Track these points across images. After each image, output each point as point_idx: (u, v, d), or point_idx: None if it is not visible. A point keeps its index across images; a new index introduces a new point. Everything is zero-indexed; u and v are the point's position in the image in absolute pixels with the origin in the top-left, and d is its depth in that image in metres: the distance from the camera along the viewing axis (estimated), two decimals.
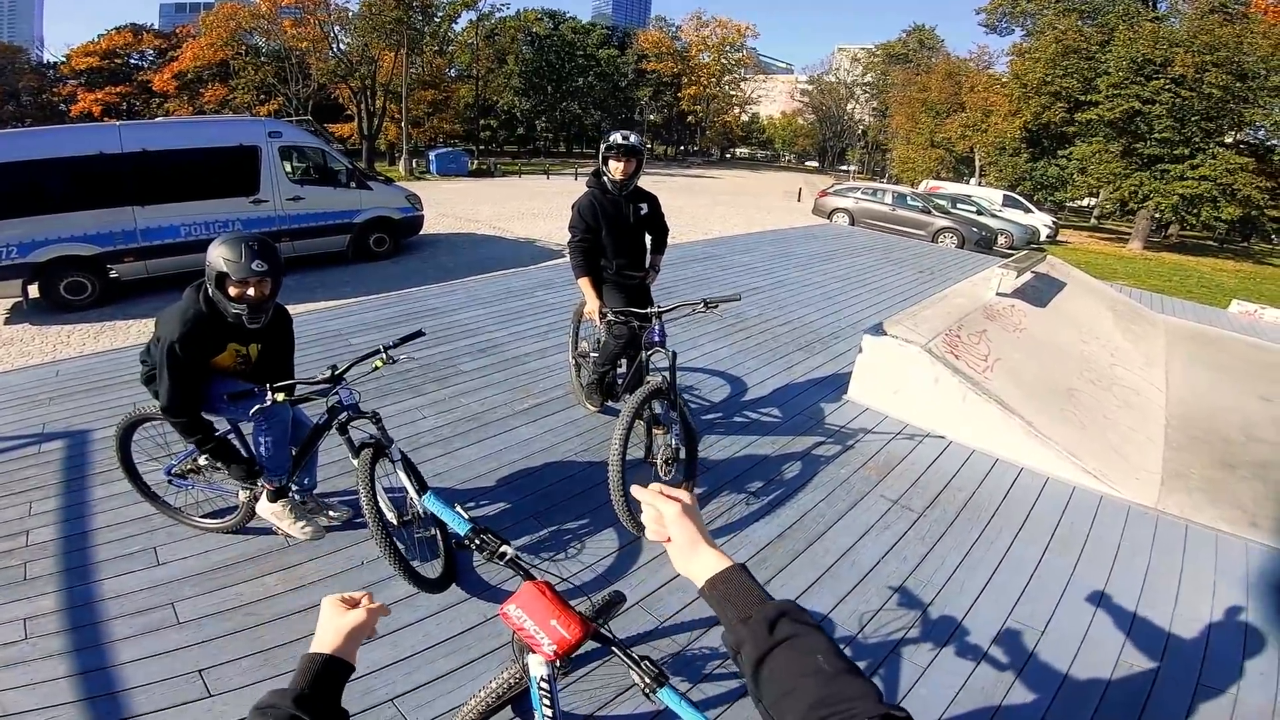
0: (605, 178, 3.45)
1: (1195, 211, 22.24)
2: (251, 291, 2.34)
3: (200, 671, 2.21)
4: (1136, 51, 21.89)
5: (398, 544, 2.43)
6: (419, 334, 2.71)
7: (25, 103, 39.70)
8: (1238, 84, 20.75)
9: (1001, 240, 17.44)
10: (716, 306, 3.15)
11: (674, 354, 3.17)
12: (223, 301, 2.34)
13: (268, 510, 2.72)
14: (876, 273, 8.76)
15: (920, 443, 4.12)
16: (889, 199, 17.38)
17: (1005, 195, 21.99)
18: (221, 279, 2.29)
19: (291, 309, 7.50)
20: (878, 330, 4.56)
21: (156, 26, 46.01)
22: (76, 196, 8.04)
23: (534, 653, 1.23)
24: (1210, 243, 28.50)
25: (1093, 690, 2.40)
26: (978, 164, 30.40)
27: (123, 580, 2.61)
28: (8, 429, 3.82)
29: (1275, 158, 21.84)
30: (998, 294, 5.87)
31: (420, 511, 2.58)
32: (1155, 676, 2.48)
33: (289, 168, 10.00)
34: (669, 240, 4.03)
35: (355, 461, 2.48)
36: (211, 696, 2.13)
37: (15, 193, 7.66)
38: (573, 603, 1.26)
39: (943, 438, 4.19)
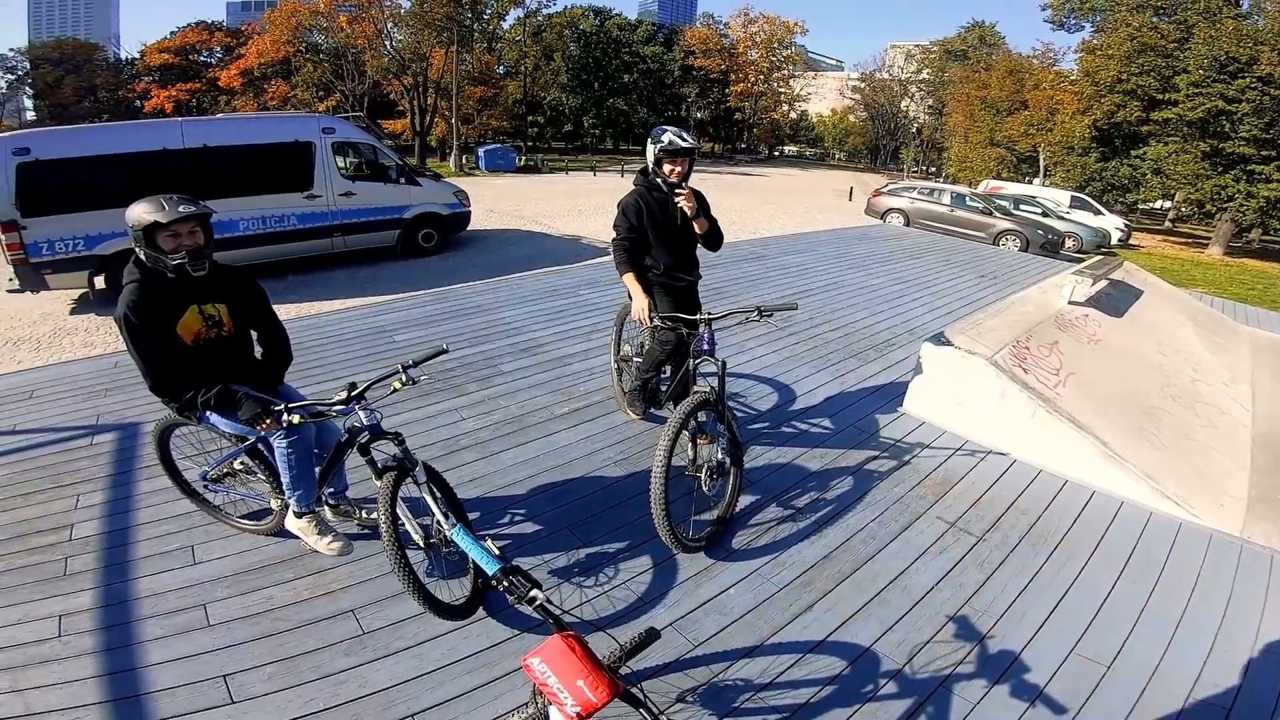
0: (659, 178, 3.28)
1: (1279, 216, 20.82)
2: (185, 239, 2.29)
3: (225, 677, 2.19)
4: (1219, 50, 20.61)
5: (416, 573, 2.33)
6: (441, 352, 2.58)
7: (102, 99, 41.94)
8: None
9: (1069, 244, 16.57)
10: (771, 315, 2.97)
11: (723, 363, 3.00)
12: (159, 258, 2.28)
13: (295, 525, 2.69)
14: (935, 276, 8.35)
15: (982, 460, 3.85)
16: (947, 199, 16.65)
17: (1073, 196, 20.87)
18: (151, 232, 2.25)
19: (342, 303, 7.57)
20: (939, 339, 4.29)
21: (225, 23, 47.91)
22: (142, 191, 8.34)
23: (554, 705, 1.12)
24: None
25: None
26: (1042, 164, 29.10)
27: (159, 579, 2.62)
28: (65, 419, 3.93)
29: None
30: (1070, 302, 5.48)
31: (446, 535, 2.49)
32: (1227, 716, 2.23)
33: (342, 163, 10.18)
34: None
35: (377, 484, 2.40)
36: (233, 703, 2.09)
37: (84, 187, 8.00)
38: (603, 642, 1.17)
39: (1006, 455, 3.91)
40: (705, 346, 3.00)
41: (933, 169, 48.51)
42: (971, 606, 2.68)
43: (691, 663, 2.34)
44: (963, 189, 18.81)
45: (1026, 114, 29.59)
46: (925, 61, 48.90)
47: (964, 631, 2.54)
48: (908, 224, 16.20)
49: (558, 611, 1.17)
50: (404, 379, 2.40)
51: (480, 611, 2.50)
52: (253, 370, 2.59)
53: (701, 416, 3.00)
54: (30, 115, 46.81)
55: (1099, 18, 27.29)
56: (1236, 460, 4.13)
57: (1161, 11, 24.21)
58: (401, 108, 37.13)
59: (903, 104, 51.81)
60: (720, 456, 2.96)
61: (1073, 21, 29.27)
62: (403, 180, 10.82)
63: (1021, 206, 17.85)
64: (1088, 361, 4.63)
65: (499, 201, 19.04)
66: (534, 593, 1.16)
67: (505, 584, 1.16)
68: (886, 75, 53.06)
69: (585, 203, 19.78)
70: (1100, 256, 10.30)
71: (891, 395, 4.56)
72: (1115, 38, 24.07)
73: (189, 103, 40.16)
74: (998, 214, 15.94)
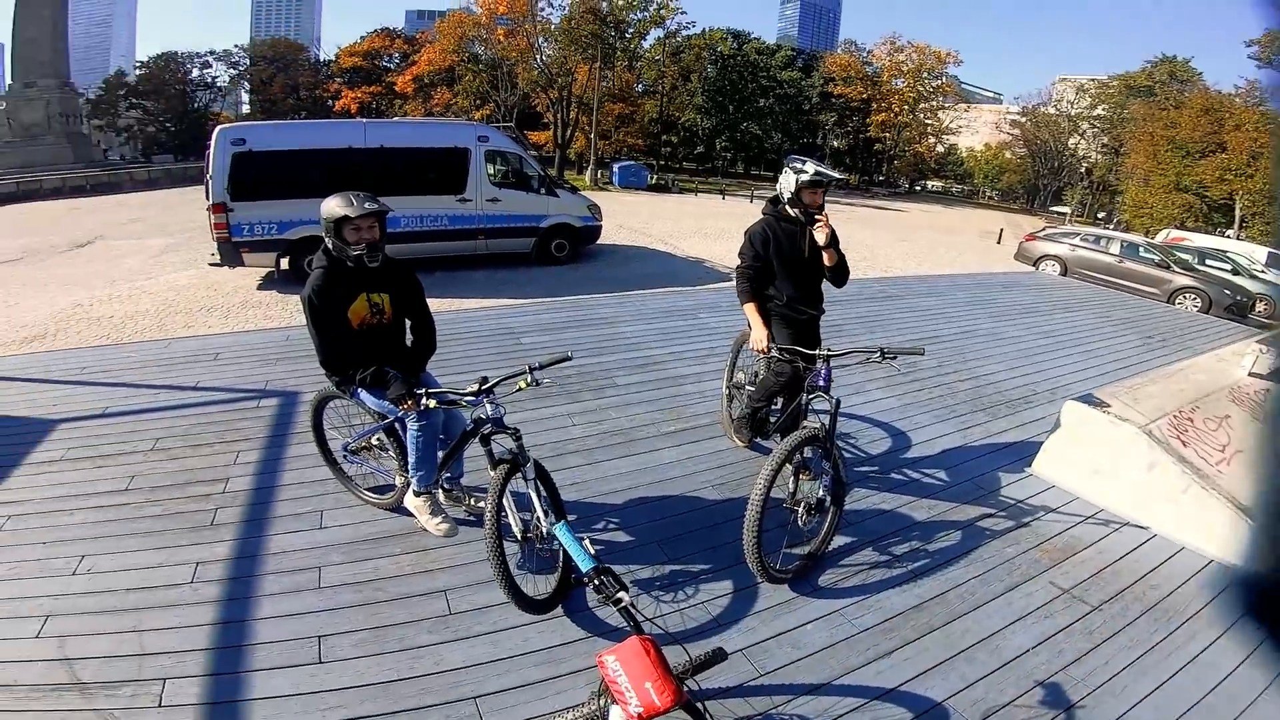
0: (790, 207, 3.30)
1: None
2: (366, 233, 2.61)
3: (320, 638, 2.41)
4: None
5: (508, 564, 2.48)
6: (566, 358, 2.78)
7: (303, 96, 47.83)
8: None
9: (1261, 307, 14.32)
10: (895, 358, 2.90)
11: (837, 401, 2.95)
12: (343, 248, 2.61)
13: (411, 503, 2.96)
14: (1092, 333, 7.57)
15: (1115, 531, 3.47)
16: (1115, 248, 14.92)
17: (1270, 253, 18.06)
18: (339, 225, 2.57)
19: (478, 303, 8.16)
20: (1087, 400, 3.93)
21: (404, 30, 52.62)
22: (327, 184, 9.47)
23: (617, 704, 1.19)
24: None
25: None
26: (1238, 214, 25.53)
27: (288, 539, 2.95)
28: (240, 382, 4.59)
29: None
30: (1251, 374, 4.80)
31: (544, 532, 2.63)
32: None
33: (491, 170, 10.95)
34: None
35: (491, 474, 2.59)
36: (320, 663, 2.30)
37: (283, 177, 9.17)
38: (675, 655, 1.22)
39: (1146, 529, 3.49)
40: (821, 383, 2.97)
41: (1101, 214, 43.95)
42: (1067, 674, 2.46)
43: (755, 690, 2.33)
44: (1137, 238, 16.87)
45: (1224, 157, 26.36)
46: (1101, 96, 44.61)
47: (1051, 698, 2.34)
48: (1064, 273, 14.77)
49: (640, 616, 1.24)
50: (529, 379, 2.60)
51: (559, 609, 2.61)
52: (402, 356, 2.91)
53: (808, 452, 2.97)
54: (245, 109, 53.44)
55: None
56: None
57: None
58: (546, 120, 39.54)
59: (1070, 141, 47.46)
60: (821, 494, 2.90)
61: None
62: (543, 191, 11.45)
63: (1207, 262, 15.69)
64: None
65: (629, 218, 19.67)
66: (621, 594, 1.24)
67: (597, 582, 1.25)
68: (1053, 110, 48.89)
69: (712, 226, 19.93)
70: None
71: (1020, 455, 4.22)
72: None
73: (370, 104, 44.87)
74: (1177, 268, 14.10)
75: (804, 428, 2.94)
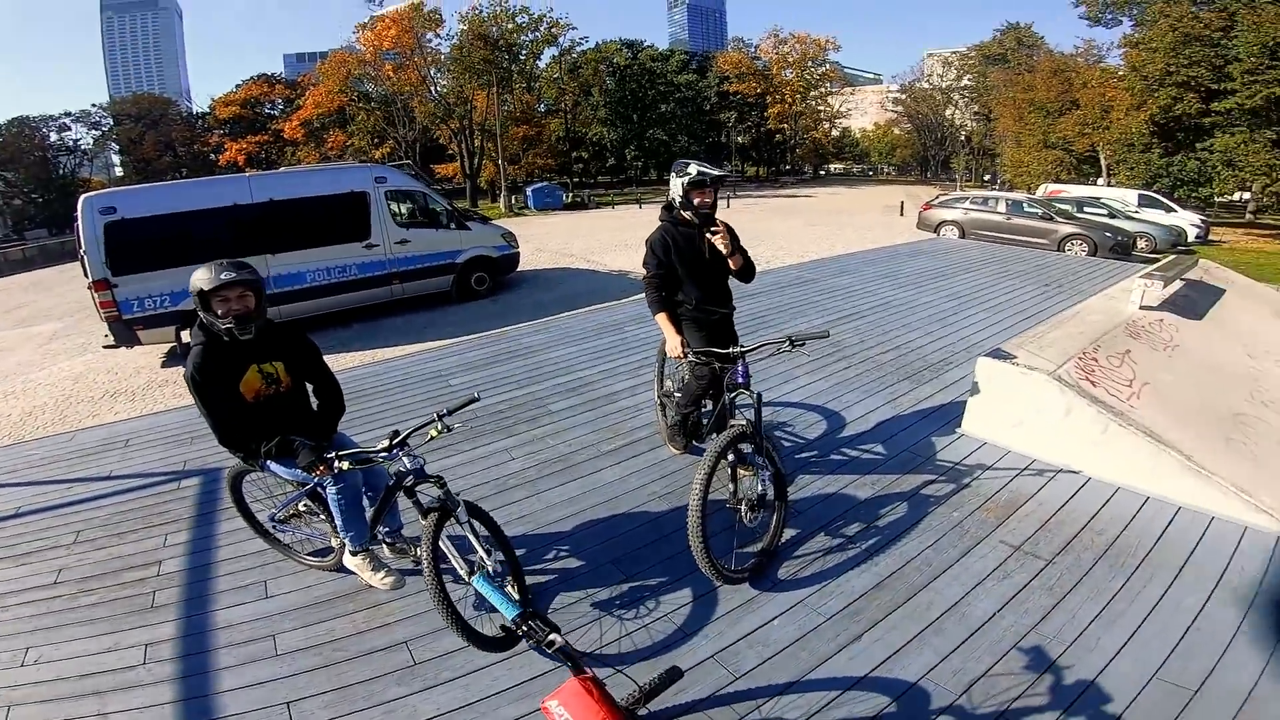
0: (676, 211, 3.33)
1: None
2: (235, 304, 2.47)
3: (288, 704, 2.33)
4: (1266, 36, 19.75)
5: (456, 608, 2.39)
6: (474, 400, 2.74)
7: (180, 153, 45.22)
8: None
9: (1141, 244, 15.63)
10: (803, 344, 2.94)
11: (759, 395, 2.98)
12: (214, 322, 2.47)
13: (350, 563, 2.86)
14: (993, 289, 8.02)
15: (1051, 480, 3.63)
16: (1003, 207, 15.99)
17: (1141, 195, 19.74)
18: (205, 298, 2.44)
19: (403, 349, 7.88)
20: (996, 355, 4.11)
21: (283, 76, 50.80)
22: (219, 246, 8.90)
23: None
24: None
25: None
26: (1104, 163, 27.77)
27: (235, 611, 2.83)
28: (156, 466, 4.31)
29: None
30: (1141, 307, 5.18)
31: (491, 572, 2.56)
32: None
33: (396, 211, 10.56)
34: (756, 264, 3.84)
35: (422, 523, 2.51)
36: None
37: (161, 244, 8.48)
38: (628, 683, 1.17)
39: (1079, 474, 3.67)
40: (740, 379, 2.98)
41: (986, 176, 46.95)
42: (1038, 633, 2.52)
43: (732, 696, 2.29)
44: (1020, 195, 18.09)
45: (1079, 113, 28.60)
46: (965, 68, 47.86)
47: (1029, 660, 2.39)
48: (963, 236, 15.67)
49: (577, 654, 1.19)
50: (439, 427, 2.53)
51: (522, 644, 2.51)
52: (309, 421, 2.77)
53: (743, 449, 2.97)
54: (118, 171, 50.25)
55: (1136, 10, 26.33)
56: None
57: (1201, 1, 23.24)
58: (451, 151, 38.90)
59: (947, 112, 50.61)
60: (761, 489, 2.91)
61: (1109, 17, 28.33)
62: (453, 225, 11.17)
63: (1086, 209, 16.99)
64: (1164, 370, 4.34)
65: (548, 240, 19.55)
66: (552, 636, 1.18)
67: (524, 629, 1.18)
68: (927, 85, 52.08)
69: (632, 236, 20.01)
70: (1175, 256, 9.69)
71: (949, 417, 4.38)
72: (1156, 30, 23.31)
73: (258, 155, 42.91)
74: (1060, 219, 15.22)
75: (731, 426, 2.94)
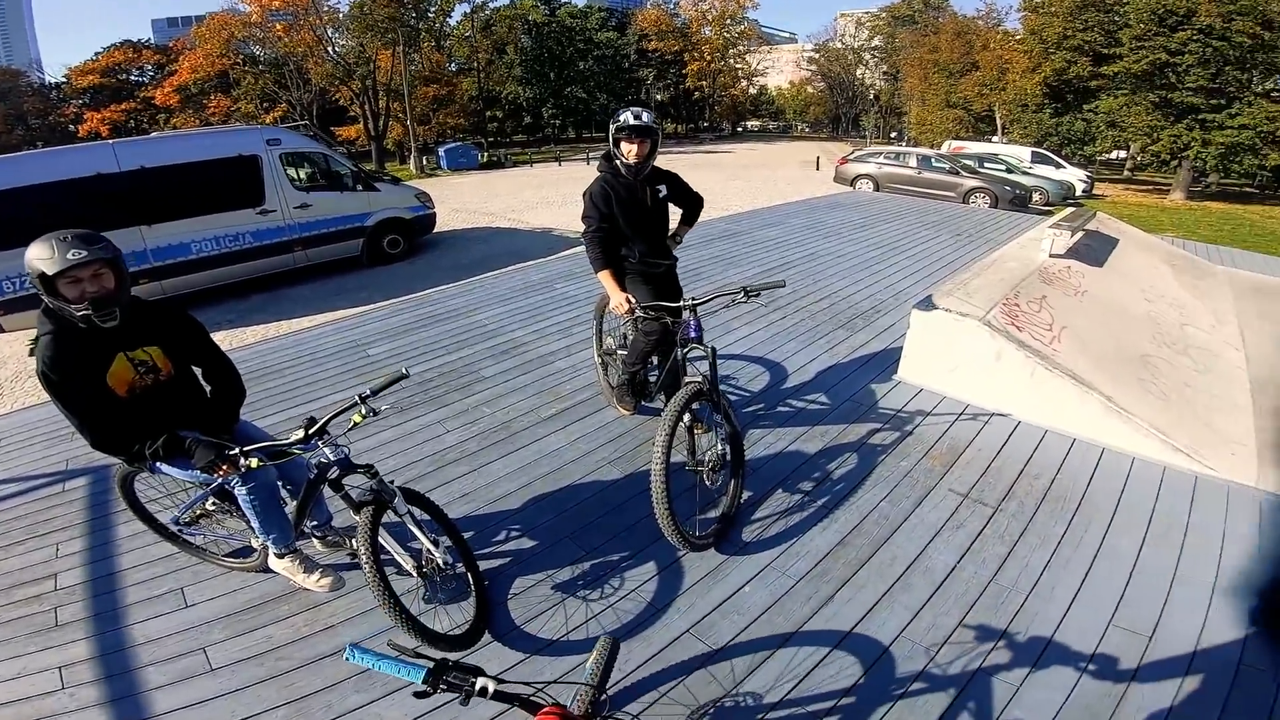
0: (618, 160, 3.11)
1: (1237, 160, 21.28)
2: (89, 286, 1.98)
3: None
4: (1156, 2, 21.04)
5: (404, 605, 2.17)
6: (401, 377, 2.32)
7: (34, 125, 39.96)
8: (1266, 33, 19.90)
9: (1036, 198, 16.68)
10: (759, 294, 2.82)
11: (713, 348, 2.85)
12: (65, 308, 1.99)
13: (277, 566, 2.53)
14: (912, 239, 8.27)
15: (986, 424, 3.75)
16: (914, 162, 16.65)
17: (1033, 152, 21.05)
18: (48, 282, 1.95)
19: (312, 319, 7.21)
20: (928, 304, 4.18)
21: (152, 41, 45.94)
22: (81, 220, 7.87)
23: None
24: (1250, 190, 27.15)
25: (1212, 699, 2.10)
26: (999, 122, 29.42)
27: (153, 624, 2.49)
28: (33, 466, 3.71)
29: None
30: (1051, 255, 5.42)
31: (441, 563, 2.33)
32: None
33: (294, 175, 9.78)
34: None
35: (356, 519, 2.23)
36: None
37: (19, 221, 7.37)
38: (573, 682, 1.04)
39: (1009, 416, 3.82)
40: (693, 334, 2.85)
41: (894, 133, 48.63)
42: (998, 584, 2.58)
43: (715, 670, 2.21)
44: (928, 151, 18.84)
45: (978, 75, 29.91)
46: (875, 28, 48.89)
47: (994, 612, 2.44)
48: (877, 189, 16.17)
49: (519, 692, 1.02)
50: (364, 411, 2.19)
51: (486, 636, 2.35)
52: (203, 411, 2.36)
53: (695, 407, 2.85)
54: None
55: None
56: (1238, 405, 4.09)
57: None
58: (353, 113, 36.16)
59: (858, 72, 51.81)
60: (720, 447, 2.81)
61: None
62: (360, 187, 10.45)
63: (986, 165, 17.92)
64: (1077, 314, 4.56)
65: (465, 200, 18.63)
66: (481, 682, 0.98)
67: (442, 686, 0.99)
68: (839, 44, 52.99)
69: (554, 193, 19.45)
70: (1070, 208, 10.32)
71: (885, 364, 4.45)
72: None
73: (126, 124, 38.62)
74: (964, 173, 16.00)
75: (687, 383, 2.81)
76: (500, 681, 1.00)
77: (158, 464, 2.23)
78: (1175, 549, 2.78)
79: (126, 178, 8.15)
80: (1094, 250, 6.02)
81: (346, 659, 1.04)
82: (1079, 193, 19.40)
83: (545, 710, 0.98)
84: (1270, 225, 18.08)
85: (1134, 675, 2.17)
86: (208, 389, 2.44)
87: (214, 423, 2.33)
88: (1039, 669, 2.19)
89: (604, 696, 1.28)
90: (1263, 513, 3.02)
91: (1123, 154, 31.41)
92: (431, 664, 1.00)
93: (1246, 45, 19.98)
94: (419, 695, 0.98)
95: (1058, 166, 20.19)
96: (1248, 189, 27.22)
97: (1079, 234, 5.91)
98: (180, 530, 2.68)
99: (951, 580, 2.60)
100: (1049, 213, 13.32)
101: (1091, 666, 2.20)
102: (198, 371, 2.42)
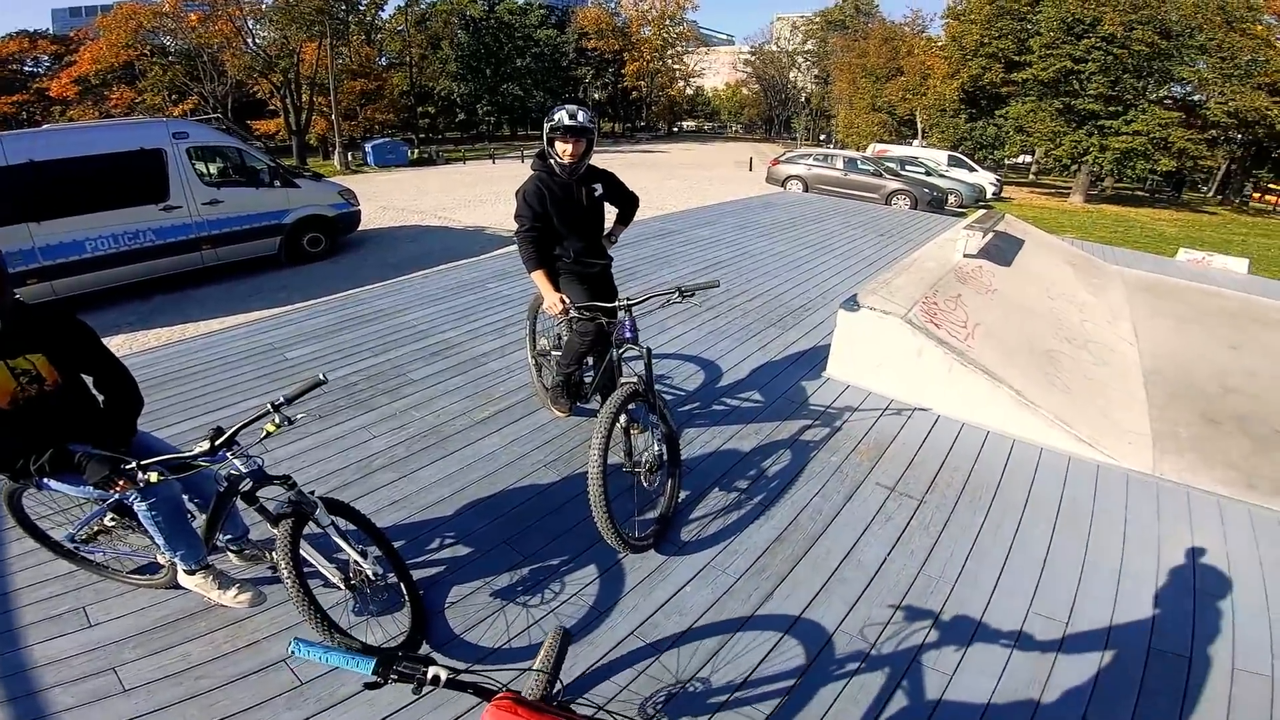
0: (552, 159, 3.05)
1: (1131, 165, 22.98)
2: None
3: None
4: (1066, 11, 22.35)
5: (333, 620, 2.07)
6: (319, 382, 2.17)
7: None
8: (1163, 42, 21.45)
9: (952, 200, 17.62)
10: (693, 295, 2.84)
11: (648, 349, 2.85)
12: None
13: (189, 583, 2.36)
14: (839, 238, 8.58)
15: (909, 419, 3.92)
16: (840, 164, 17.31)
17: (950, 155, 22.24)
18: None
19: (223, 321, 6.76)
20: (853, 303, 4.32)
21: (51, 31, 42.54)
22: None
23: None
24: (1141, 194, 29.57)
25: (1130, 676, 2.27)
26: (919, 126, 30.78)
27: (55, 644, 2.28)
28: None
29: (1204, 112, 22.61)
30: (965, 255, 5.73)
31: (370, 574, 2.23)
32: (1190, 660, 2.34)
33: (203, 170, 9.19)
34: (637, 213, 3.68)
35: (275, 532, 2.10)
36: None
37: None
38: (524, 668, 1.04)
39: (929, 411, 4.01)
40: (628, 334, 2.84)
41: (823, 136, 50.23)
42: (926, 574, 2.69)
43: (659, 671, 2.21)
44: (854, 154, 19.59)
45: (903, 80, 31.12)
46: (809, 33, 50.34)
47: (924, 602, 2.55)
48: (807, 190, 16.69)
49: (473, 679, 0.99)
50: (277, 420, 2.04)
51: (425, 646, 2.27)
52: (95, 422, 2.17)
53: (631, 407, 2.85)
54: None
55: None
56: (1133, 396, 4.43)
57: None
58: (273, 107, 34.25)
59: (791, 75, 53.25)
60: (657, 448, 2.82)
61: None
62: (278, 183, 9.87)
63: (906, 167, 18.79)
64: (989, 312, 4.83)
65: (393, 197, 17.99)
66: (433, 671, 0.96)
67: (393, 676, 0.96)
68: (775, 48, 54.32)
69: (486, 191, 19.06)
70: (981, 210, 10.94)
71: (814, 361, 4.58)
72: (976, 2, 25.51)
73: (17, 116, 35.48)
74: (887, 175, 16.73)
75: (623, 384, 2.80)
76: (453, 671, 0.97)
77: (46, 480, 2.04)
78: (1083, 536, 2.98)
79: (13, 172, 7.43)
80: (1003, 250, 6.40)
81: (291, 653, 1.00)
82: (989, 195, 20.63)
83: (499, 696, 0.95)
84: (1159, 227, 19.77)
85: (1055, 659, 2.31)
86: (100, 398, 2.24)
87: (108, 434, 2.14)
88: (970, 655, 2.30)
89: (558, 684, 1.27)
90: (1160, 500, 3.28)
91: (1029, 158, 33.56)
92: (380, 654, 0.97)
93: (1144, 54, 21.57)
94: (369, 686, 0.95)
95: (971, 170, 21.41)
96: (1139, 193, 29.64)
97: (989, 235, 6.27)
98: (77, 548, 2.48)
99: (883, 572, 2.70)
100: (963, 214, 14.11)
101: (1017, 651, 2.33)
102: (89, 380, 2.22)
